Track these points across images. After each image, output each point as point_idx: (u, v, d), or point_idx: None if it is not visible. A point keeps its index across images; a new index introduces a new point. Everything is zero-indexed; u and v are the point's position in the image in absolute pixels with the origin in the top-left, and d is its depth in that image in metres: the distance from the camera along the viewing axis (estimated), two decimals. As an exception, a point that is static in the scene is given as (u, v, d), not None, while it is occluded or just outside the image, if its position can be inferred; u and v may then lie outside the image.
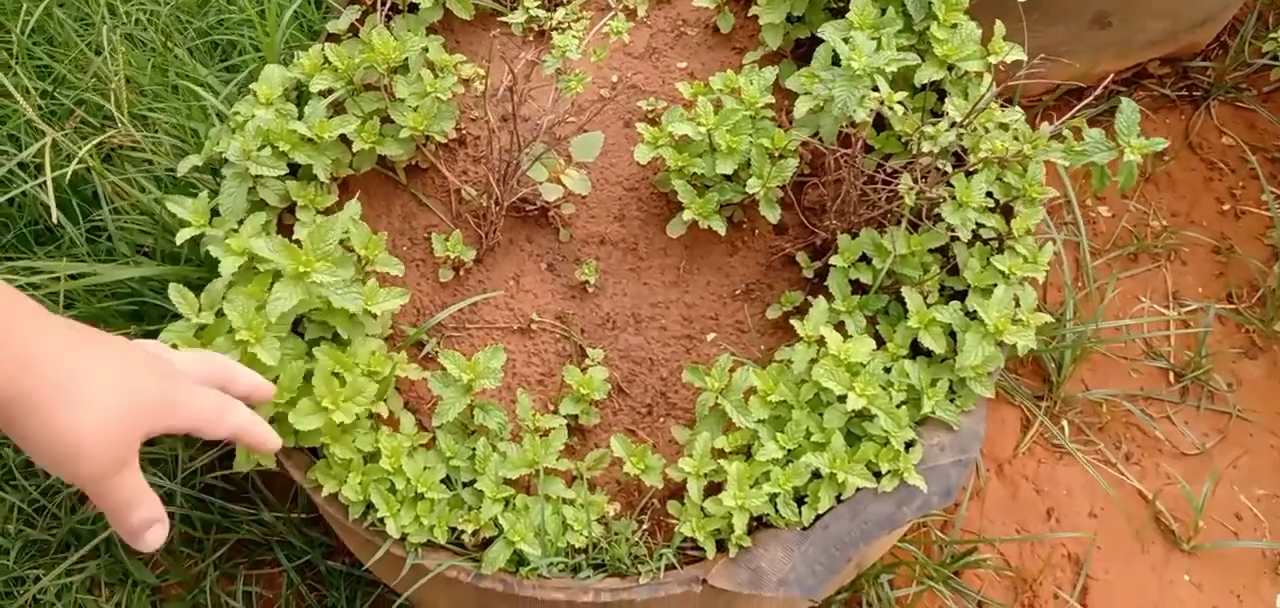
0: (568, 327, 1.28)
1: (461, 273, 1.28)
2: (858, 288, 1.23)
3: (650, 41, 1.48)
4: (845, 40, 1.11)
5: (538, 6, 1.34)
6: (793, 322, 1.22)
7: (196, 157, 1.16)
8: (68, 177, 1.18)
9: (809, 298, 1.27)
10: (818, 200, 1.35)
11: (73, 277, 1.20)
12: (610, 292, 1.31)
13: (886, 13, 1.29)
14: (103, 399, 0.61)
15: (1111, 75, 1.38)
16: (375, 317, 1.10)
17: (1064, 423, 1.68)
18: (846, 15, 1.29)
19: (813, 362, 1.13)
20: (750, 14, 1.41)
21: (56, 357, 0.58)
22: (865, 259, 1.22)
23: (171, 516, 1.26)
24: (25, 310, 0.58)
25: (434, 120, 1.23)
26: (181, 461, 1.27)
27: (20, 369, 0.56)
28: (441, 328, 1.26)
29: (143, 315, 1.27)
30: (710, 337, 1.30)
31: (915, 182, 1.15)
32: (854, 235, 1.24)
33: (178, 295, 1.03)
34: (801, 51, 1.43)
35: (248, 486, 1.37)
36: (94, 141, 1.19)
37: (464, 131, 1.35)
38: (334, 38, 1.34)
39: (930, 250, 1.22)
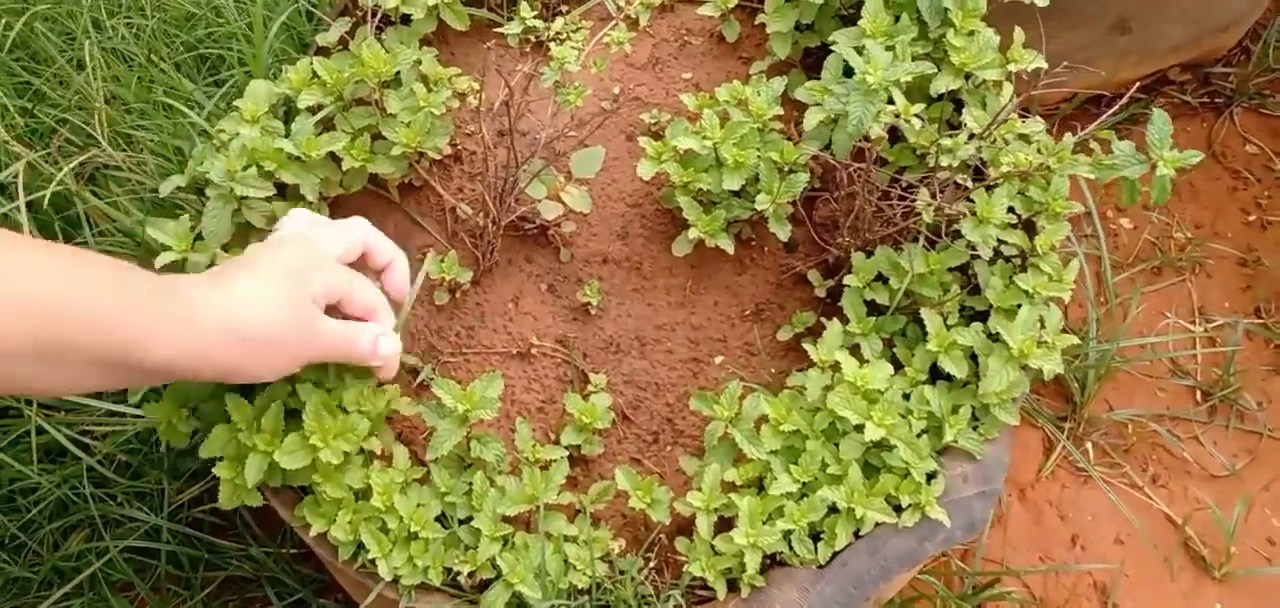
0: (569, 351, 1.22)
1: (458, 295, 1.22)
2: (873, 309, 1.17)
3: (653, 52, 1.42)
4: (859, 51, 1.06)
5: (535, 17, 1.28)
6: (805, 344, 1.16)
7: (180, 176, 1.11)
8: (47, 199, 1.13)
9: (822, 319, 1.21)
10: (830, 216, 1.29)
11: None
12: (614, 314, 1.25)
13: (900, 20, 1.23)
14: (264, 296, 0.67)
15: (1136, 83, 1.32)
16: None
17: (1088, 445, 1.62)
18: (858, 23, 1.23)
19: (827, 388, 1.07)
20: (757, 22, 1.35)
21: (208, 290, 0.66)
22: (881, 279, 1.16)
23: (157, 552, 1.21)
24: (163, 282, 0.66)
25: (427, 136, 1.18)
26: (168, 494, 1.22)
27: (184, 326, 0.63)
28: (437, 353, 1.20)
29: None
30: (718, 360, 1.24)
31: (934, 197, 1.09)
32: (869, 254, 1.18)
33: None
34: (811, 61, 1.37)
35: (236, 520, 1.32)
36: (75, 163, 1.14)
37: (459, 147, 1.30)
38: (324, 51, 1.29)
39: (950, 269, 1.15)
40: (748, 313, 1.26)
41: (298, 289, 0.69)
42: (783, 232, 1.21)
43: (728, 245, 1.20)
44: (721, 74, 1.39)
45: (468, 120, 1.31)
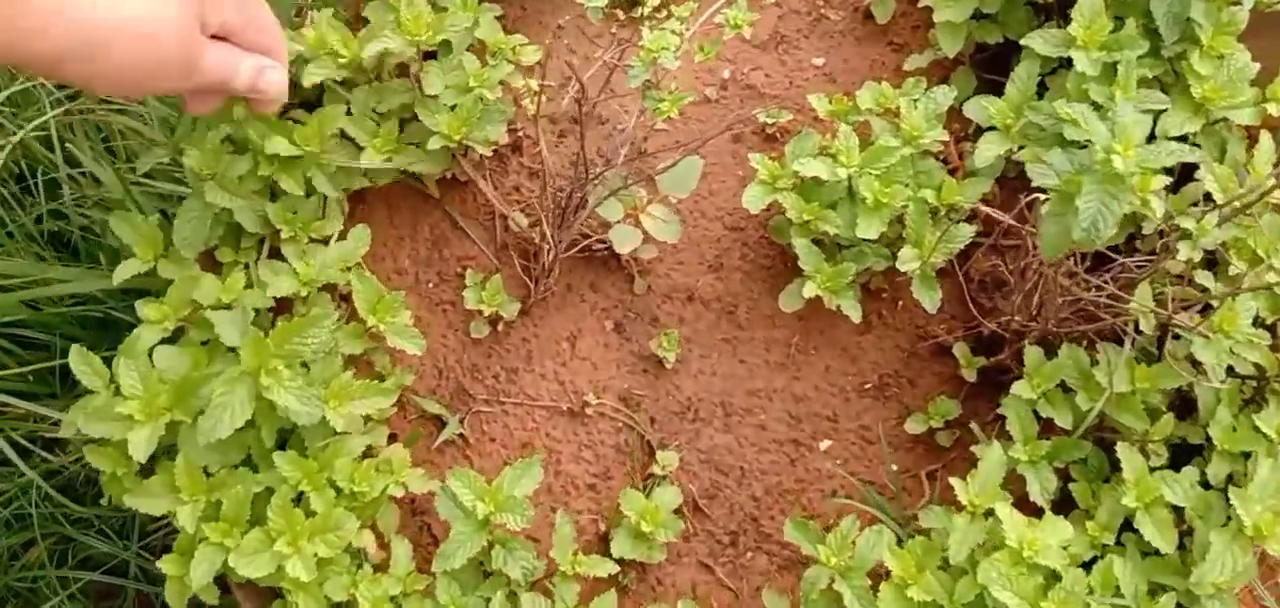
0: (634, 413, 0.96)
1: (500, 327, 0.97)
2: (1046, 427, 0.87)
3: (778, 26, 1.11)
4: (1097, 107, 0.74)
5: None
6: (941, 438, 0.88)
7: (163, 149, 0.87)
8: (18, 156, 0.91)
9: (967, 415, 0.92)
10: (992, 275, 0.98)
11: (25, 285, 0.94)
12: (694, 369, 0.98)
13: (1123, 26, 0.90)
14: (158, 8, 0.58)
15: None
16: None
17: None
18: (1064, 25, 0.90)
19: (979, 547, 0.78)
20: (920, 3, 1.03)
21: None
22: (1063, 387, 0.86)
23: (123, 589, 1.01)
24: None
25: (476, 124, 0.91)
26: (140, 520, 1.02)
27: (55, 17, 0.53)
28: (468, 399, 0.95)
29: (109, 326, 1.01)
30: (825, 444, 0.96)
31: (1163, 298, 0.78)
32: (1049, 348, 0.87)
33: (80, 360, 0.74)
34: (986, 59, 1.04)
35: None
36: (52, 115, 0.91)
37: (520, 133, 1.02)
38: None
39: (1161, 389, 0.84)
40: (868, 386, 0.98)
41: (189, 10, 0.62)
42: (929, 298, 0.91)
43: (853, 311, 0.91)
44: (864, 64, 1.08)
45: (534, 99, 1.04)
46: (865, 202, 0.89)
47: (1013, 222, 0.85)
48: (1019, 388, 0.85)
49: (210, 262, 0.90)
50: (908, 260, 0.89)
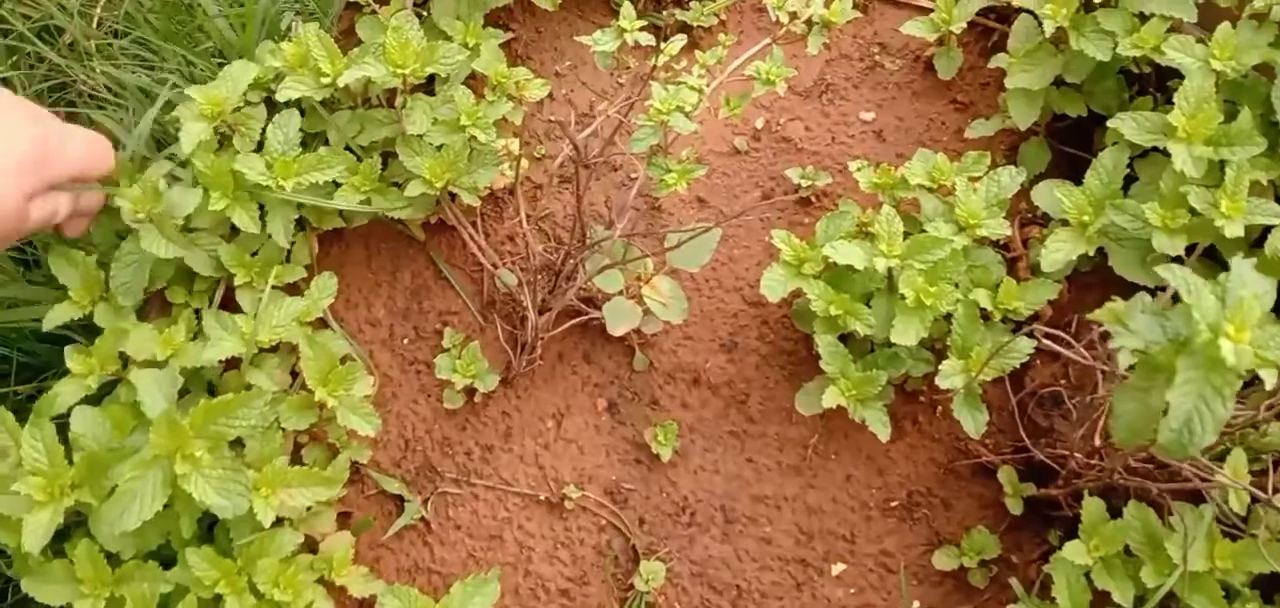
0: (621, 510, 0.84)
1: (477, 398, 0.86)
2: (1100, 598, 0.72)
3: (824, 71, 0.97)
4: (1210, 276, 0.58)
5: (640, 25, 0.82)
6: (973, 576, 0.75)
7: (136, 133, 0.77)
8: None
9: (1007, 551, 0.79)
10: (1046, 390, 0.84)
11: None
12: (695, 464, 0.86)
13: (1237, 117, 0.74)
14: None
15: None
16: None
17: None
18: (1166, 111, 0.75)
19: None
20: (992, 65, 0.88)
21: None
22: (1125, 551, 0.71)
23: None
24: None
25: (463, 169, 0.80)
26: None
27: None
28: (435, 477, 0.85)
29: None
30: (837, 569, 0.84)
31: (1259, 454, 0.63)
32: (1111, 502, 0.73)
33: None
34: (1065, 129, 0.89)
35: None
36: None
37: (525, 174, 0.91)
38: (356, 5, 0.91)
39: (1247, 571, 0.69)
40: (894, 504, 0.85)
41: (24, 184, 0.67)
42: (973, 421, 0.77)
43: (881, 428, 0.77)
44: (919, 124, 0.94)
45: (539, 136, 0.92)
46: (905, 300, 0.75)
47: (1081, 356, 0.70)
48: (1072, 550, 0.70)
49: (162, 304, 0.81)
50: (951, 375, 0.76)
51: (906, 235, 0.77)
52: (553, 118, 0.89)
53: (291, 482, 0.69)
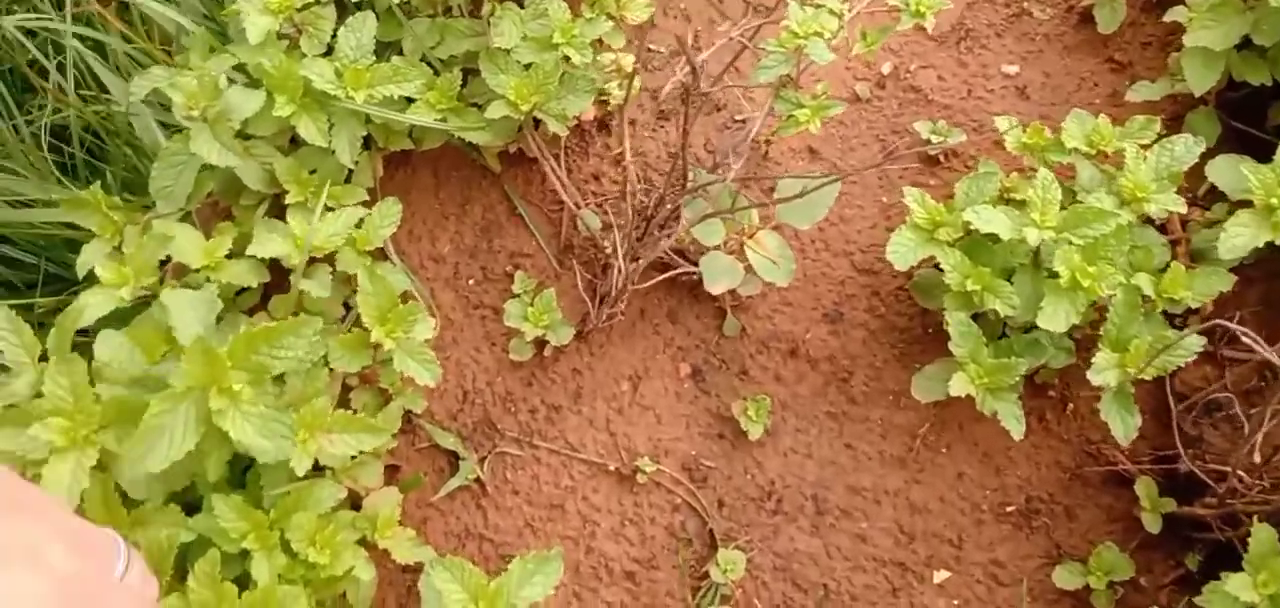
0: (699, 490, 0.75)
1: (547, 352, 0.77)
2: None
3: (964, 16, 0.85)
4: None
5: None
6: (1098, 598, 0.66)
7: (162, 71, 0.69)
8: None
9: (1138, 572, 0.69)
10: (1207, 395, 0.72)
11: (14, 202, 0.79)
12: (785, 445, 0.76)
13: None
14: None
15: None
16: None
17: None
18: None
19: None
20: (1166, 17, 0.75)
21: None
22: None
23: None
24: None
25: (552, 94, 0.70)
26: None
27: None
28: (495, 434, 0.76)
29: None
30: (940, 577, 0.74)
31: None
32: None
33: (4, 321, 0.58)
34: (1236, 101, 0.76)
35: None
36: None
37: (612, 105, 0.81)
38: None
39: None
40: (1010, 508, 0.75)
41: None
42: (1123, 425, 0.66)
43: (1015, 426, 0.67)
44: (1070, 82, 0.82)
45: (642, 63, 0.82)
46: (1058, 279, 0.64)
47: (1268, 353, 0.58)
48: (1237, 584, 0.60)
49: (219, 215, 0.73)
50: (1104, 371, 0.64)
51: (1062, 206, 0.66)
52: (653, 47, 0.79)
53: (333, 427, 0.61)
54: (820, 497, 0.76)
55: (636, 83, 0.59)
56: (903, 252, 0.67)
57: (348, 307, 0.74)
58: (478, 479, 0.74)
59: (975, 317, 0.70)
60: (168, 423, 0.56)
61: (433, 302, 0.78)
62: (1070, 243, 0.65)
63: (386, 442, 0.64)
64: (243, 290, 0.69)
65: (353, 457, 0.64)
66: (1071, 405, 0.76)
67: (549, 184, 0.80)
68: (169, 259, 0.67)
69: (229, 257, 0.66)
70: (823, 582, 0.74)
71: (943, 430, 0.76)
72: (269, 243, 0.65)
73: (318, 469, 0.64)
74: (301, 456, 0.58)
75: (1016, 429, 0.67)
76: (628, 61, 0.59)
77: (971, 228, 0.66)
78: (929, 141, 0.78)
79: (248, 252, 0.65)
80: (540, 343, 0.76)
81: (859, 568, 0.74)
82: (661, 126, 0.81)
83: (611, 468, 0.76)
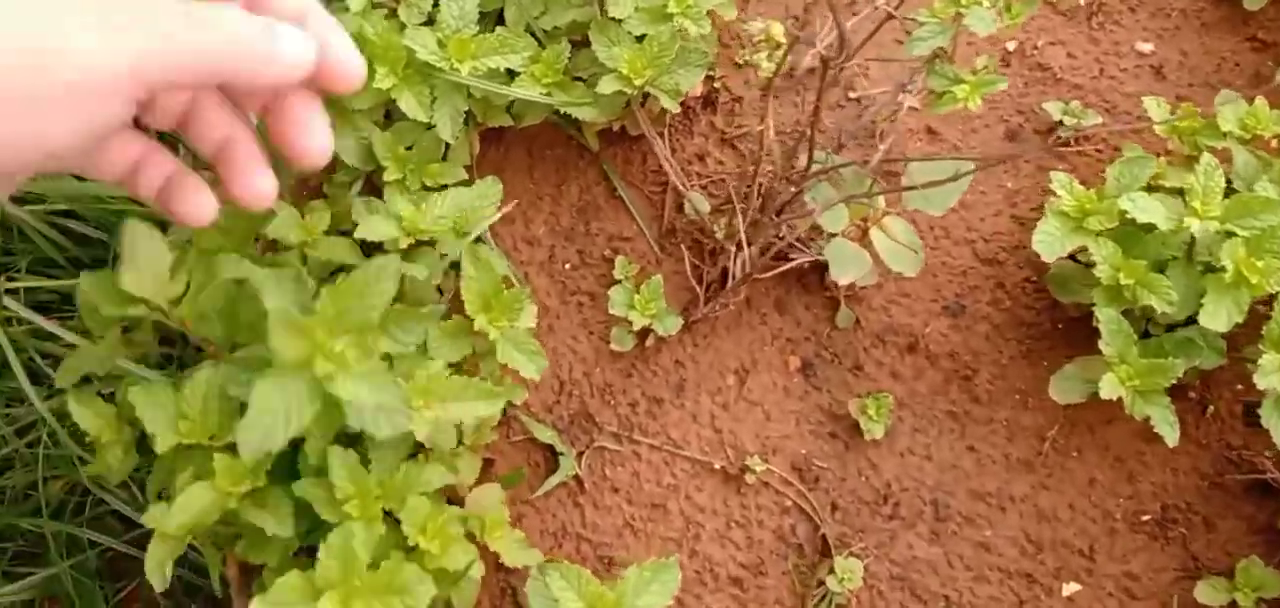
0: (810, 491, 0.70)
1: (649, 342, 0.72)
2: None
3: (1092, -12, 0.79)
4: None
5: None
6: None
7: None
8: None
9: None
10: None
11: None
12: (902, 445, 0.71)
13: None
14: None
15: None
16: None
17: None
18: None
19: None
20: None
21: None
22: None
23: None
24: None
25: (666, 67, 0.65)
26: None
27: None
28: (593, 428, 0.72)
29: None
30: (1070, 589, 0.70)
31: None
32: None
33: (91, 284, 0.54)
34: None
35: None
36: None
37: (717, 81, 0.76)
38: None
39: None
40: (1146, 517, 0.70)
41: (136, 64, 0.35)
42: (1286, 432, 0.60)
43: (1169, 431, 0.61)
44: (1209, 62, 0.76)
45: (741, 38, 0.77)
46: (1223, 274, 0.58)
47: None
48: None
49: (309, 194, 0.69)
50: (1270, 374, 0.59)
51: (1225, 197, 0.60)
52: (766, 18, 0.74)
53: (449, 394, 0.56)
54: (940, 502, 0.71)
55: (787, 55, 0.55)
56: (1050, 242, 0.61)
57: (439, 291, 0.69)
58: (575, 476, 0.70)
59: (1129, 314, 0.64)
60: (279, 405, 0.51)
61: (529, 287, 0.74)
62: (1235, 234, 0.59)
63: (498, 410, 0.59)
64: (337, 270, 0.65)
65: (458, 436, 0.60)
66: (1212, 408, 0.71)
67: (650, 164, 0.75)
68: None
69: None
70: (944, 593, 0.69)
71: (1073, 433, 0.71)
72: (372, 224, 0.61)
73: (416, 453, 0.60)
74: (419, 421, 0.54)
75: (1171, 435, 0.61)
76: (778, 29, 0.55)
77: (1126, 216, 0.60)
78: (1061, 123, 0.72)
79: (355, 234, 0.60)
80: (643, 333, 0.72)
81: (982, 579, 0.70)
82: (765, 156, 0.76)
83: (717, 466, 0.71)
